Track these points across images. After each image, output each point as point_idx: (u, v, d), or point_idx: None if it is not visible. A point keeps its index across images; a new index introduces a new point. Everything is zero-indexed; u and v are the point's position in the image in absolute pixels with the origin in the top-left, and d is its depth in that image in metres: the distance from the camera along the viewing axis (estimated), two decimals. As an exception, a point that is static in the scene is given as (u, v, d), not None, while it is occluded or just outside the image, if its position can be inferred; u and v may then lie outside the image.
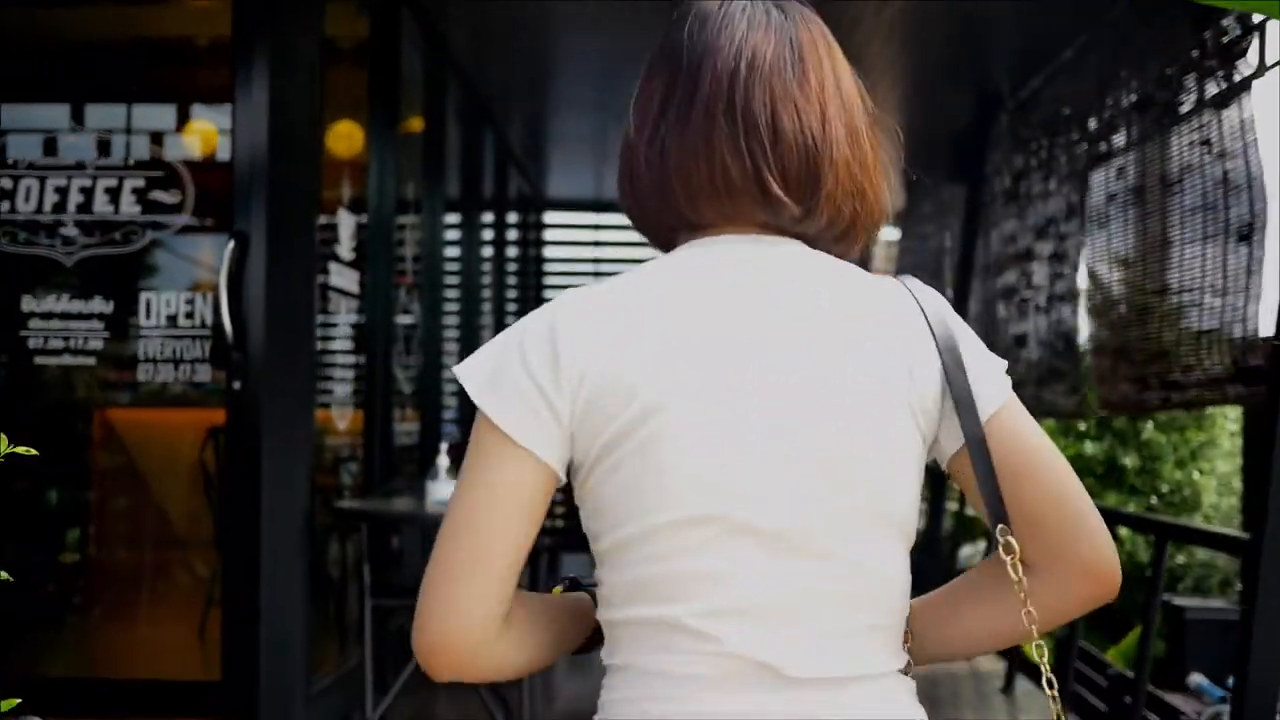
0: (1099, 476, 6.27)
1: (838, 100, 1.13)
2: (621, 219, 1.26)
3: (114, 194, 3.81)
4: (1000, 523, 1.09)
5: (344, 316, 4.40)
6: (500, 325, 8.20)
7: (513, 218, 9.22)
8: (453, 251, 6.95)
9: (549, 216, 10.38)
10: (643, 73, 1.20)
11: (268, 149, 3.68)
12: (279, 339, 3.79)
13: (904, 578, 1.11)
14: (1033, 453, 1.11)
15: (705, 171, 1.11)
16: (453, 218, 6.95)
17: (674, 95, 1.14)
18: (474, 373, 1.09)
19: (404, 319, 5.47)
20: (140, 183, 3.82)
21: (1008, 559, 1.09)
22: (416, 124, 6.01)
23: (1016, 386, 1.16)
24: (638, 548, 1.06)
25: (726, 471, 1.04)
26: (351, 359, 4.48)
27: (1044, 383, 5.39)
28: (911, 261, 9.29)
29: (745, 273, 1.10)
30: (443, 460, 3.75)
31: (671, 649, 1.05)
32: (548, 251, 10.44)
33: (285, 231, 3.78)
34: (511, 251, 9.19)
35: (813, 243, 1.15)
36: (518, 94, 7.06)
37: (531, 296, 9.98)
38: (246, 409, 3.74)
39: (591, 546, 1.11)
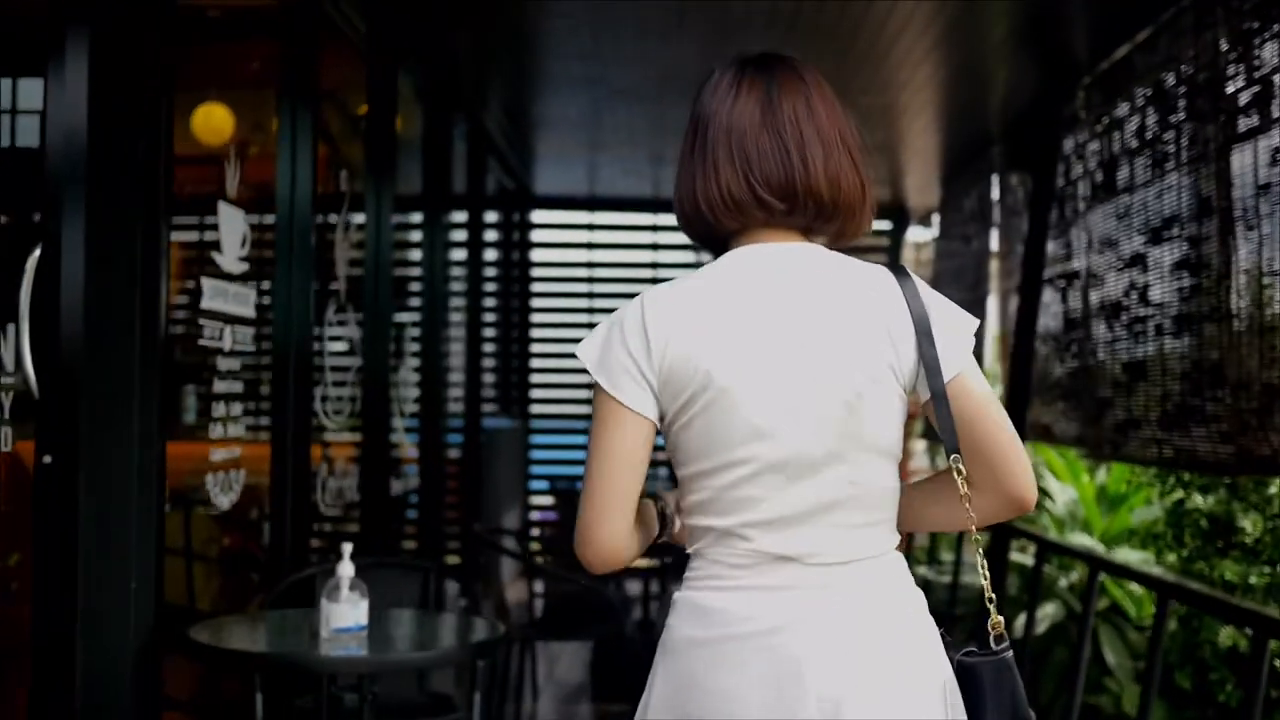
0: (1206, 536, 5.06)
1: (811, 125, 1.60)
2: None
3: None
4: (954, 453, 1.57)
5: (231, 347, 3.23)
6: (475, 342, 7.03)
7: (491, 217, 8.04)
8: (413, 256, 5.80)
9: (537, 215, 9.13)
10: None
11: (88, 129, 2.58)
12: (108, 392, 2.65)
13: (893, 486, 1.59)
14: (980, 408, 1.56)
15: (718, 193, 1.60)
16: (413, 217, 5.80)
17: (696, 144, 1.63)
18: (589, 355, 1.57)
19: (336, 343, 4.32)
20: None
21: (958, 479, 1.57)
22: (357, 106, 4.86)
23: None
24: (703, 479, 1.55)
25: (763, 426, 1.52)
26: (241, 406, 3.31)
27: (1177, 425, 4.21)
28: (951, 266, 8.11)
29: (772, 275, 1.57)
30: (345, 570, 2.59)
31: (723, 544, 1.55)
32: (535, 255, 9.15)
33: (115, 237, 2.64)
34: (490, 255, 8.02)
35: (814, 233, 1.63)
36: (493, 69, 5.89)
37: (516, 306, 8.79)
38: (59, 493, 2.60)
39: (675, 472, 1.60)
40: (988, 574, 1.60)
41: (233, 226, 3.21)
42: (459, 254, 6.82)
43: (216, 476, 3.12)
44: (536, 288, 9.00)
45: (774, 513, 1.51)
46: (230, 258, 3.19)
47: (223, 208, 3.16)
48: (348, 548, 2.62)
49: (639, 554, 1.60)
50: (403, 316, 5.47)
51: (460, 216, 6.82)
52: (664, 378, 1.52)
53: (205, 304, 3.05)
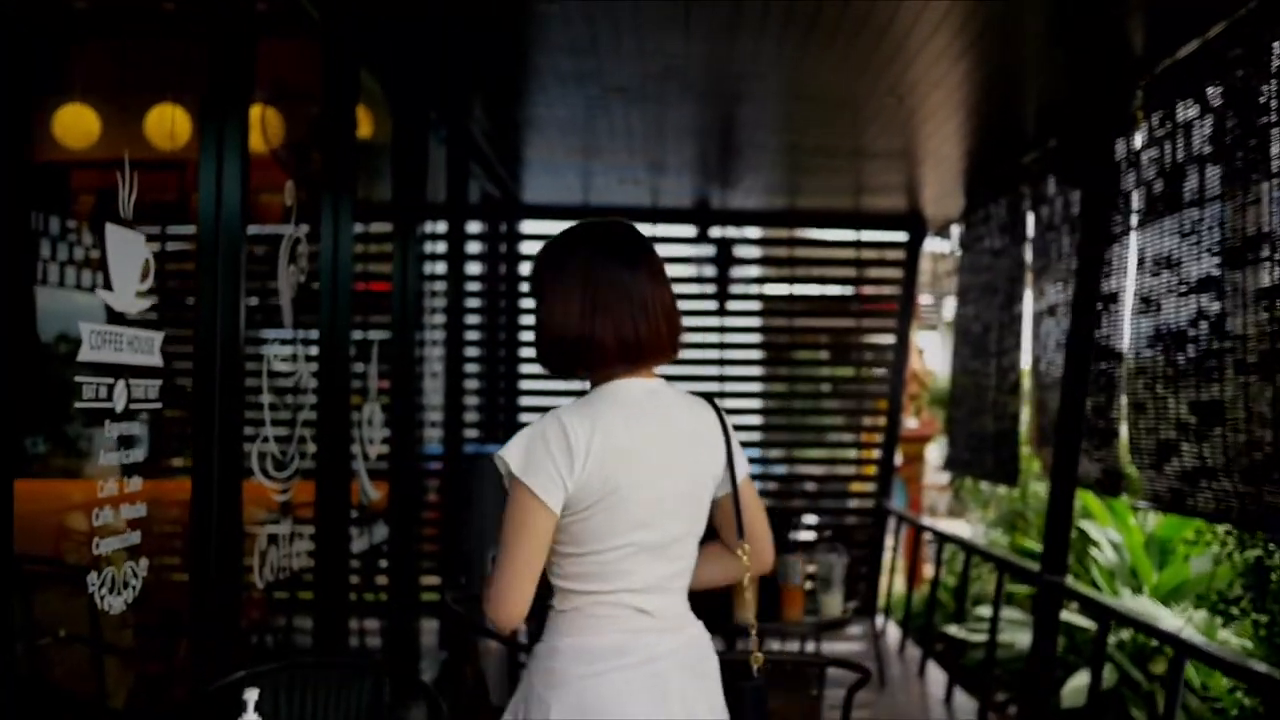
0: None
1: (641, 292, 2.18)
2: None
3: None
4: (741, 537, 2.30)
5: (126, 406, 2.59)
6: (457, 368, 6.39)
7: (476, 228, 7.39)
8: (384, 272, 5.16)
9: (526, 226, 8.47)
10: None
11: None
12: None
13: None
14: (750, 504, 2.31)
15: (574, 346, 2.20)
16: (384, 229, 5.16)
17: (580, 297, 2.23)
18: (513, 458, 2.07)
19: (280, 378, 3.68)
20: None
21: (741, 554, 2.29)
22: (314, 106, 4.22)
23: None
24: (591, 557, 2.11)
25: (640, 519, 2.12)
26: (142, 480, 2.66)
27: (1265, 479, 3.57)
28: (978, 282, 7.46)
29: (647, 407, 2.16)
30: (242, 723, 1.95)
31: (599, 603, 2.12)
32: (526, 268, 8.49)
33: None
34: (475, 269, 7.37)
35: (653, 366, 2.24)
36: (473, 65, 5.24)
37: (504, 323, 8.14)
38: None
39: (556, 550, 2.12)
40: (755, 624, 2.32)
41: (127, 254, 2.56)
42: (439, 268, 6.19)
43: (104, 573, 2.47)
44: (527, 303, 8.35)
45: (640, 582, 2.13)
46: (125, 295, 2.55)
47: (112, 232, 2.52)
48: (252, 695, 1.98)
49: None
50: (371, 340, 4.83)
51: (440, 227, 6.18)
52: (580, 484, 2.07)
53: (84, 356, 2.40)
